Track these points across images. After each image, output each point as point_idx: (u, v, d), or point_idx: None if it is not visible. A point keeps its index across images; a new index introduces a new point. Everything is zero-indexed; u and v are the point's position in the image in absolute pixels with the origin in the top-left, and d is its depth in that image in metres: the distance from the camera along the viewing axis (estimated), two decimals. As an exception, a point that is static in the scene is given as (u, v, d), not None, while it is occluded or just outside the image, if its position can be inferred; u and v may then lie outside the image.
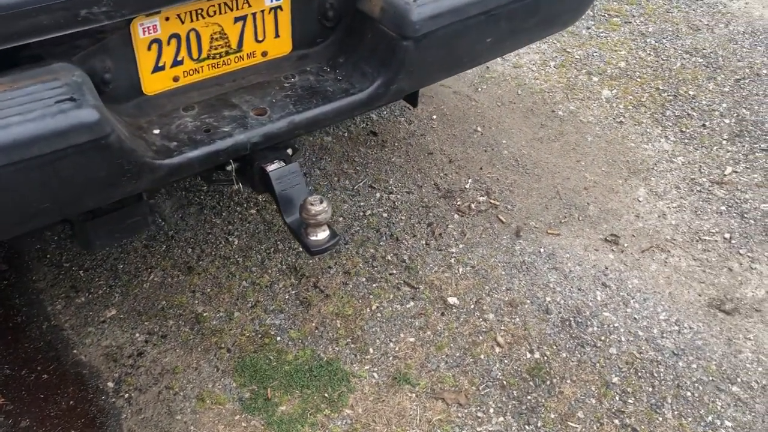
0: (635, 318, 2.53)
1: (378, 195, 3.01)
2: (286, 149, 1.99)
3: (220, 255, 2.73)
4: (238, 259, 2.72)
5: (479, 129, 3.38)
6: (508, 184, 3.07)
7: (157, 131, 1.75)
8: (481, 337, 2.46)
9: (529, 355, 2.41)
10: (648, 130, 3.39)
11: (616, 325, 2.50)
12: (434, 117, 3.45)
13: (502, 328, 2.49)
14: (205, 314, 2.51)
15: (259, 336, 2.45)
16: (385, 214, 2.92)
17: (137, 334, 2.45)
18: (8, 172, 1.41)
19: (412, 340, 2.45)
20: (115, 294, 2.58)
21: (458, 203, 2.97)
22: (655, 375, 2.35)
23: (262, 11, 1.91)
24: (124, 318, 2.50)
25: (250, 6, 1.87)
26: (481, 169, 3.15)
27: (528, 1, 2.06)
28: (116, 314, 2.51)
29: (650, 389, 2.30)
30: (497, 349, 2.43)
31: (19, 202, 1.48)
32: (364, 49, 1.97)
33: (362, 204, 2.97)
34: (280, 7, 1.93)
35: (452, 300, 2.57)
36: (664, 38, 4.02)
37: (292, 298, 2.58)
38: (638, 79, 3.71)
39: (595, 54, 3.90)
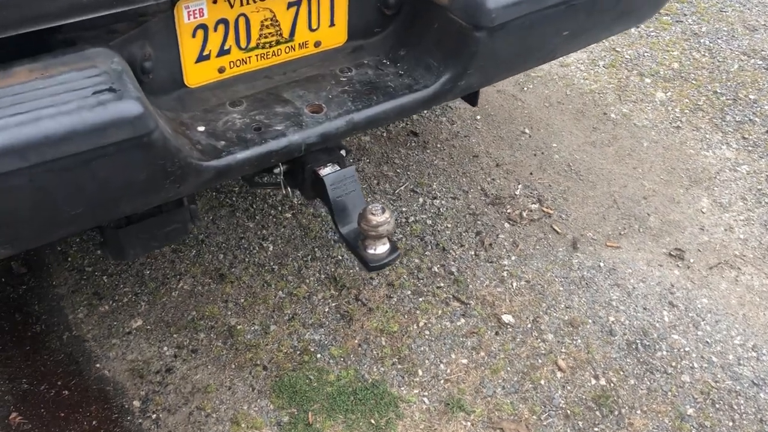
0: (707, 342, 2.31)
1: (421, 200, 2.81)
2: (340, 150, 1.79)
3: (254, 262, 2.53)
4: (273, 267, 2.52)
5: (527, 131, 3.17)
6: (562, 191, 2.86)
7: (202, 128, 1.55)
8: (540, 360, 2.25)
9: (593, 382, 2.19)
10: (707, 135, 3.17)
11: (687, 349, 2.29)
12: (478, 117, 3.24)
13: (563, 350, 2.28)
14: (238, 327, 2.31)
15: (298, 353, 2.25)
16: (429, 221, 2.71)
17: (165, 348, 2.25)
18: (38, 172, 1.21)
19: (464, 361, 2.24)
20: (142, 302, 2.38)
21: (508, 211, 2.76)
22: (735, 407, 2.13)
23: (318, -4, 1.71)
24: (152, 329, 2.31)
25: (306, -10, 1.67)
26: (531, 174, 2.94)
27: (610, -9, 1.84)
28: (142, 325, 2.32)
29: (730, 423, 2.09)
30: (559, 374, 2.21)
31: (49, 208, 1.29)
32: (429, 40, 1.77)
33: (404, 209, 2.77)
34: (337, -9, 1.73)
35: (507, 318, 2.36)
36: (718, 38, 3.79)
37: (332, 311, 2.38)
38: (693, 82, 3.49)
39: (646, 54, 3.67)
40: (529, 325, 2.35)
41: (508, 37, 1.71)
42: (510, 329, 2.33)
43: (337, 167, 1.72)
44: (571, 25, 1.85)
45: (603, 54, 3.69)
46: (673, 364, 2.24)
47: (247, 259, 2.54)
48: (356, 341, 2.29)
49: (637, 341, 2.31)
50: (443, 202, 2.80)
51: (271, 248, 2.59)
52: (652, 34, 3.84)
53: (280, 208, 2.73)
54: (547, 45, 1.87)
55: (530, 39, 1.79)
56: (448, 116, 3.24)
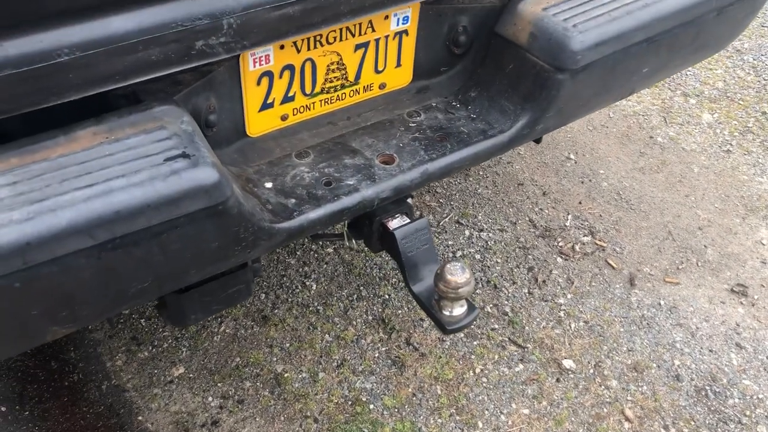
0: (781, 388, 2.19)
1: (467, 232, 2.69)
2: (407, 198, 1.67)
3: (298, 302, 2.41)
4: (317, 308, 2.40)
5: (572, 156, 3.05)
6: (613, 221, 2.74)
7: (269, 184, 1.43)
8: (605, 410, 2.12)
9: (664, 433, 2.07)
10: (760, 160, 3.04)
11: (760, 396, 2.16)
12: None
13: (629, 398, 2.15)
14: (285, 375, 2.19)
15: (349, 403, 2.13)
16: (477, 256, 2.59)
17: (210, 398, 2.14)
18: (106, 250, 1.10)
19: (526, 411, 2.12)
20: (183, 348, 2.27)
21: (560, 244, 2.64)
22: (818, 462, 2.01)
23: (387, 37, 1.59)
24: (194, 378, 2.19)
25: (374, 31, 1.55)
26: (580, 203, 2.82)
27: (692, 25, 1.73)
28: (185, 373, 2.20)
29: (814, 480, 1.97)
30: (626, 425, 2.09)
31: (115, 285, 1.17)
32: (504, 81, 1.65)
33: (450, 243, 2.65)
34: (406, 31, 1.61)
35: (567, 363, 2.24)
36: (762, 55, 3.67)
37: (383, 356, 2.26)
38: (740, 102, 3.36)
39: (688, 73, 3.55)
40: (592, 371, 2.23)
41: (590, 78, 1.60)
42: (572, 375, 2.21)
43: (406, 219, 1.60)
44: (651, 62, 1.73)
45: (644, 73, 3.56)
46: (747, 412, 2.12)
47: (290, 299, 2.42)
48: (410, 390, 2.17)
49: (706, 387, 2.19)
50: (490, 234, 2.68)
51: (314, 287, 2.47)
52: (692, 50, 3.71)
53: (321, 243, 2.61)
54: (627, 83, 1.75)
55: (612, 78, 1.67)
56: (488, 141, 3.12)
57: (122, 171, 1.11)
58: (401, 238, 1.56)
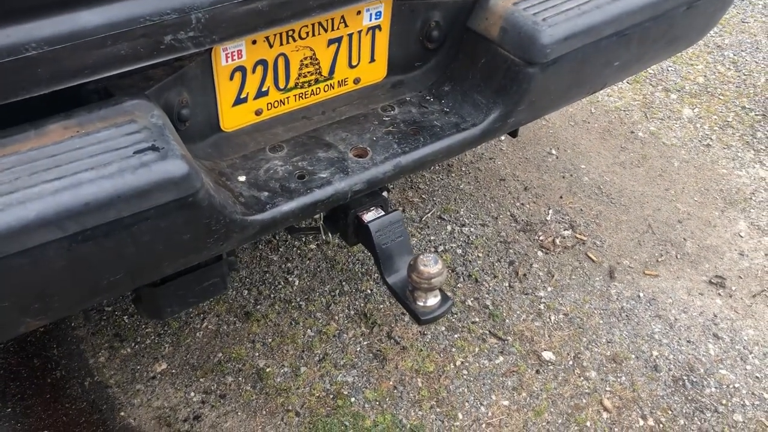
0: (757, 377, 2.22)
1: (449, 227, 2.71)
2: (382, 192, 1.69)
3: (280, 298, 2.43)
4: (300, 303, 2.42)
5: (554, 152, 3.07)
6: (594, 215, 2.76)
7: (242, 178, 1.45)
8: (584, 400, 2.15)
9: (642, 422, 2.10)
10: (739, 154, 3.08)
11: (736, 385, 2.19)
12: (503, 138, 3.14)
13: (608, 388, 2.18)
14: (267, 369, 2.21)
15: (331, 396, 2.15)
16: (459, 251, 2.61)
17: (192, 394, 2.15)
18: (76, 241, 1.11)
19: (506, 403, 2.14)
20: (165, 344, 2.28)
21: (540, 238, 2.66)
22: (792, 449, 2.04)
23: (359, 32, 1.61)
24: (177, 373, 2.20)
25: (346, 26, 1.57)
26: (561, 197, 2.84)
27: (662, 19, 1.75)
28: (167, 369, 2.21)
29: (789, 467, 2.00)
30: (605, 415, 2.12)
31: (87, 277, 1.19)
32: (476, 75, 1.67)
33: (432, 238, 2.67)
34: (378, 26, 1.63)
35: (547, 355, 2.27)
36: (742, 51, 3.70)
37: (364, 350, 2.28)
38: (720, 97, 3.40)
39: (669, 68, 3.58)
40: (571, 362, 2.25)
41: (561, 71, 1.62)
42: (551, 367, 2.24)
43: (381, 212, 1.62)
44: (622, 56, 1.75)
45: (625, 68, 3.59)
46: (723, 401, 2.15)
47: (272, 295, 2.44)
48: (391, 383, 2.19)
49: (684, 377, 2.21)
50: (472, 229, 2.70)
51: (296, 282, 2.48)
52: (673, 46, 3.75)
53: (303, 239, 2.63)
54: (597, 77, 1.78)
55: (582, 72, 1.69)
56: (471, 137, 3.14)
57: (92, 164, 1.13)
58: (375, 230, 1.58)
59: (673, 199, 2.85)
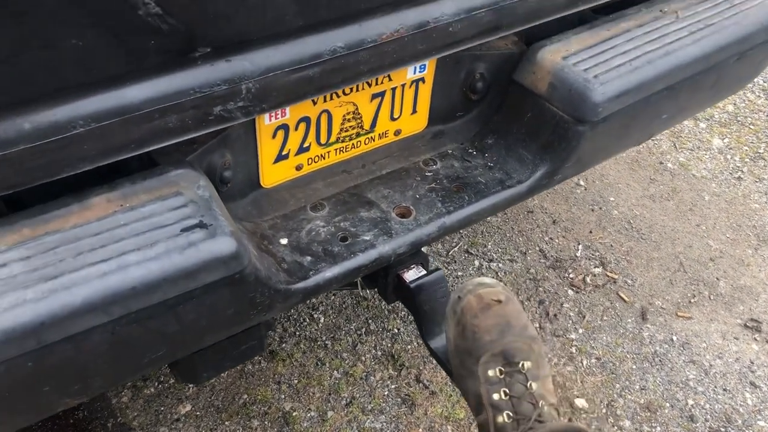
0: (796, 429, 2.17)
1: (477, 262, 2.66)
2: (422, 247, 1.63)
3: (306, 336, 2.38)
4: (326, 342, 2.37)
5: (582, 183, 3.02)
6: (624, 252, 2.71)
7: (284, 241, 1.40)
8: (619, 452, 2.10)
9: (678, 477, 2.05)
10: (771, 188, 3.01)
11: (775, 438, 2.14)
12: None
13: (643, 439, 2.13)
14: (294, 414, 2.16)
15: (359, 443, 2.10)
16: (487, 288, 2.56)
17: (218, 438, 2.11)
18: (120, 325, 1.07)
19: (539, 453, 2.08)
20: (189, 385, 2.23)
21: (570, 276, 2.61)
22: None
23: (403, 85, 1.56)
24: (201, 416, 2.16)
25: (390, 80, 1.52)
26: (590, 232, 2.79)
27: (712, 71, 1.70)
28: (191, 411, 2.17)
29: None
30: (640, 468, 2.07)
31: (129, 356, 1.14)
32: (522, 129, 1.62)
33: (460, 274, 2.62)
34: (422, 79, 1.58)
35: (580, 402, 2.21)
36: (772, 78, 3.64)
37: (392, 394, 2.23)
38: (751, 126, 3.34)
39: (698, 95, 3.52)
40: (604, 410, 2.20)
41: (610, 128, 1.57)
42: (584, 415, 2.18)
43: (422, 270, 1.57)
44: (671, 108, 1.70)
45: (653, 95, 3.53)
46: (762, 455, 2.10)
47: (298, 333, 2.39)
48: (420, 430, 2.14)
49: (721, 429, 2.16)
50: (500, 264, 2.65)
51: (322, 320, 2.44)
52: (701, 72, 3.68)
53: (357, 294, 2.57)
54: (646, 129, 1.72)
55: (632, 126, 1.64)
56: (497, 166, 3.09)
57: (138, 243, 1.08)
58: (417, 291, 1.53)
59: (704, 236, 2.79)
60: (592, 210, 2.89)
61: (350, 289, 1.67)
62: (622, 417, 2.18)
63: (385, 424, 2.15)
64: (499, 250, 2.71)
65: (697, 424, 2.17)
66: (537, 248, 2.72)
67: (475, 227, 2.79)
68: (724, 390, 2.26)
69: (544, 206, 2.90)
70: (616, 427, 2.15)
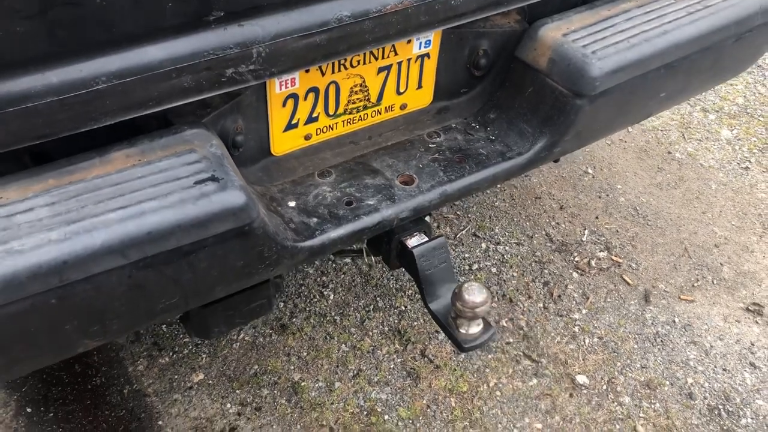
0: (794, 409, 2.20)
1: (484, 245, 2.72)
2: (425, 217, 1.70)
3: (316, 311, 2.46)
4: (335, 318, 2.44)
5: (590, 171, 3.07)
6: (630, 237, 2.76)
7: (292, 203, 1.48)
8: (618, 426, 2.15)
9: (676, 451, 2.09)
10: (778, 178, 3.05)
11: (773, 416, 2.18)
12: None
13: (641, 415, 2.18)
14: (302, 384, 2.24)
15: (365, 413, 2.17)
16: (494, 269, 2.62)
17: (228, 405, 2.19)
18: (137, 268, 1.15)
19: (539, 426, 2.15)
20: (202, 355, 2.32)
21: (576, 259, 2.66)
22: (829, 484, 2.02)
23: (409, 60, 1.63)
24: (213, 384, 2.24)
25: (396, 54, 1.59)
26: (596, 218, 2.84)
27: (710, 51, 1.75)
28: (204, 379, 2.25)
29: (826, 502, 1.98)
30: (638, 442, 2.11)
31: (144, 301, 1.22)
32: (523, 104, 1.68)
33: (467, 256, 2.68)
34: (427, 54, 1.65)
35: (581, 378, 2.27)
36: (783, 71, 3.66)
37: (398, 367, 2.30)
38: (760, 118, 3.37)
39: (708, 88, 3.55)
40: (605, 387, 2.25)
41: (608, 103, 1.62)
42: (585, 391, 2.24)
43: (425, 237, 1.64)
44: (669, 87, 1.75)
45: (663, 87, 3.57)
46: (759, 433, 2.14)
47: (308, 309, 2.47)
48: (424, 402, 2.21)
49: (719, 406, 2.20)
50: (507, 248, 2.71)
51: (331, 296, 2.51)
52: (712, 65, 3.71)
53: (363, 262, 2.65)
54: (644, 107, 1.78)
55: (629, 103, 1.70)
56: (506, 154, 3.15)
57: (154, 193, 1.16)
58: (419, 256, 1.60)
59: (710, 223, 2.83)
60: (599, 197, 2.94)
61: (357, 255, 1.74)
62: (622, 393, 2.23)
63: (390, 395, 2.22)
64: (506, 233, 2.77)
65: (696, 402, 2.21)
66: (543, 232, 2.78)
67: (483, 211, 2.86)
68: (724, 370, 2.31)
69: (551, 192, 2.96)
70: (616, 403, 2.20)
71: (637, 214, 2.86)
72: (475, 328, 1.55)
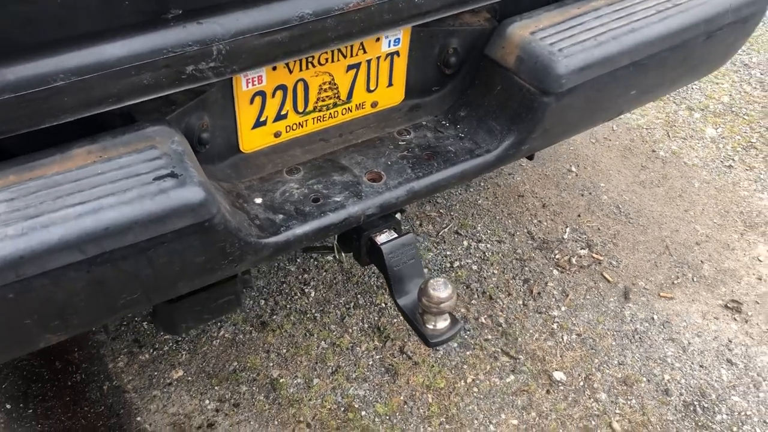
0: (769, 405, 2.21)
1: (465, 243, 2.73)
2: (395, 214, 1.72)
3: (296, 309, 2.47)
4: (315, 315, 2.46)
5: (573, 169, 3.08)
6: (611, 235, 2.77)
7: (259, 200, 1.49)
8: (593, 422, 2.16)
9: (650, 447, 2.11)
10: (761, 176, 3.05)
11: (748, 412, 2.19)
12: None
13: (617, 411, 2.19)
14: (281, 380, 2.25)
15: (342, 409, 2.18)
16: (474, 267, 2.64)
17: (207, 401, 2.20)
18: (96, 264, 1.16)
19: (514, 422, 2.16)
20: (182, 351, 2.33)
21: (557, 256, 2.67)
22: (802, 480, 2.03)
23: (378, 58, 1.64)
24: (193, 381, 2.25)
25: (365, 52, 1.60)
26: (578, 216, 2.85)
27: (680, 49, 1.76)
28: (183, 376, 2.27)
29: (798, 498, 1.99)
30: (613, 438, 2.13)
31: (105, 296, 1.23)
32: (492, 101, 1.69)
33: (449, 253, 2.69)
34: (397, 53, 1.66)
35: (558, 375, 2.28)
36: (770, 70, 3.67)
37: (377, 364, 2.31)
38: (745, 117, 3.37)
39: (694, 86, 3.56)
40: (582, 383, 2.26)
41: (576, 101, 1.64)
42: (561, 387, 2.25)
43: (394, 234, 1.65)
44: (639, 85, 1.76)
45: (649, 86, 3.58)
46: (734, 429, 2.15)
47: (288, 306, 2.48)
48: (402, 398, 2.22)
49: (695, 403, 2.21)
50: (488, 245, 2.72)
51: (312, 294, 2.52)
52: (699, 64, 3.72)
53: (333, 258, 2.66)
54: (614, 105, 1.79)
55: (598, 100, 1.71)
56: (491, 152, 3.16)
57: (113, 189, 1.17)
58: (388, 252, 1.61)
59: (692, 221, 2.84)
60: (582, 195, 2.95)
61: (327, 253, 1.75)
62: (599, 390, 2.24)
63: (368, 391, 2.23)
64: (488, 231, 2.78)
65: (672, 398, 2.22)
66: (525, 230, 2.79)
67: (466, 210, 2.87)
68: (701, 366, 2.32)
69: (534, 191, 2.97)
70: (592, 399, 2.22)
71: (619, 212, 2.87)
72: (443, 323, 1.57)
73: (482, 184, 3.00)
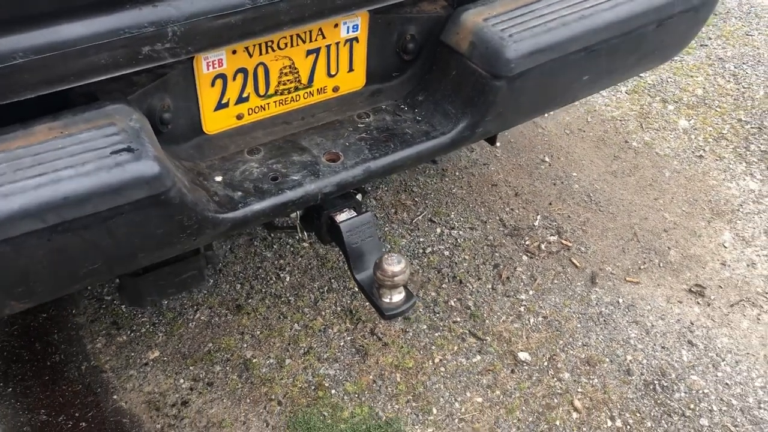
0: (727, 384, 2.28)
1: (438, 230, 2.80)
2: (356, 194, 1.79)
3: (271, 293, 2.54)
4: (289, 298, 2.52)
5: (547, 159, 3.15)
6: (581, 222, 2.84)
7: (219, 178, 1.56)
8: (556, 400, 2.23)
9: (609, 423, 2.17)
10: (731, 166, 3.12)
11: (705, 391, 2.26)
12: (498, 145, 3.22)
13: (579, 390, 2.26)
14: (254, 360, 2.32)
15: (313, 388, 2.25)
16: (446, 252, 2.70)
17: (182, 380, 2.27)
18: (56, 232, 1.23)
19: (479, 400, 2.23)
20: (159, 333, 2.40)
21: (527, 243, 2.74)
22: (755, 454, 2.10)
23: (337, 44, 1.71)
24: (168, 361, 2.32)
25: (324, 38, 1.67)
26: (550, 204, 2.92)
27: (631, 36, 1.83)
28: (159, 356, 2.34)
29: (749, 471, 2.06)
30: (574, 415, 2.19)
31: (67, 265, 1.30)
32: (448, 86, 1.76)
33: (422, 240, 2.76)
34: (356, 38, 1.73)
35: (523, 355, 2.35)
36: (744, 64, 3.74)
37: (348, 345, 2.38)
38: (718, 109, 3.44)
39: (669, 79, 3.63)
40: (546, 363, 2.33)
41: (527, 85, 1.70)
42: (526, 367, 2.32)
43: (353, 213, 1.72)
44: (591, 70, 1.83)
45: (625, 79, 3.65)
46: (692, 406, 2.21)
47: (263, 290, 2.55)
48: (371, 377, 2.29)
49: (655, 382, 2.28)
50: (461, 232, 2.79)
51: (287, 279, 2.59)
52: (675, 58, 3.79)
53: (297, 237, 2.73)
54: (566, 90, 1.86)
55: (550, 86, 1.77)
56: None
57: (72, 162, 1.24)
58: (346, 230, 1.68)
59: (661, 209, 2.91)
60: (554, 184, 3.02)
61: (292, 232, 1.82)
62: (562, 369, 2.31)
63: (338, 371, 2.30)
64: (461, 219, 2.85)
65: (633, 377, 2.29)
66: (497, 218, 2.85)
67: (440, 198, 2.93)
68: (663, 347, 2.39)
69: (508, 180, 3.04)
70: (555, 378, 2.28)
71: (590, 201, 2.94)
72: (398, 297, 1.64)
73: (457, 173, 3.06)
